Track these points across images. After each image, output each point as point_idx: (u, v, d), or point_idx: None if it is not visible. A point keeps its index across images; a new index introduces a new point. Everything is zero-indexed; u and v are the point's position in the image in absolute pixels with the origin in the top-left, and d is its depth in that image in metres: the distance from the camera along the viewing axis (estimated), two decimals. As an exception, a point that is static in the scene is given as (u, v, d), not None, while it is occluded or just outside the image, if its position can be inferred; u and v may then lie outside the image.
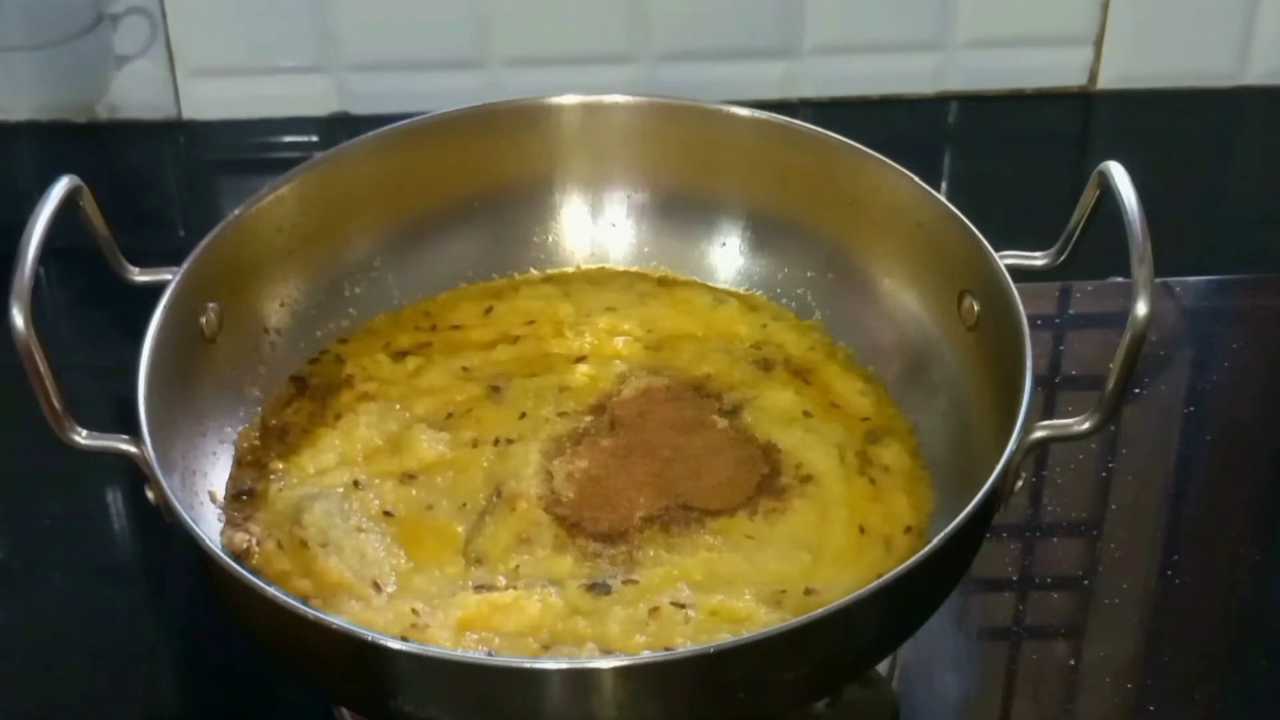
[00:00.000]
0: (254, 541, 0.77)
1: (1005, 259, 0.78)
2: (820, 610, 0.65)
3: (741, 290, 0.91)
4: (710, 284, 0.91)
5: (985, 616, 0.83)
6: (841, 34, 1.13)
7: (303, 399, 0.85)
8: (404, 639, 0.69)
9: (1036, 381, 0.72)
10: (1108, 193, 0.74)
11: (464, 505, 0.79)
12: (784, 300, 0.90)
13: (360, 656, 0.65)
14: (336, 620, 0.66)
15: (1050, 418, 0.72)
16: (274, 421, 0.83)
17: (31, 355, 0.68)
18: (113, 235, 0.78)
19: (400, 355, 0.87)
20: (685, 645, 0.71)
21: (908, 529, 0.78)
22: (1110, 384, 0.69)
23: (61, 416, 0.70)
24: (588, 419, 0.83)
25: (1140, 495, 0.88)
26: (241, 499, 0.79)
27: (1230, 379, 0.96)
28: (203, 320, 0.81)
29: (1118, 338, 0.69)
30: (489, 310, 0.90)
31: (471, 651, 0.71)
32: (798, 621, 0.65)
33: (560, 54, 1.12)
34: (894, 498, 0.79)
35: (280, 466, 0.81)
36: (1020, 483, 0.72)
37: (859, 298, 0.88)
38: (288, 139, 1.14)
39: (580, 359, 0.87)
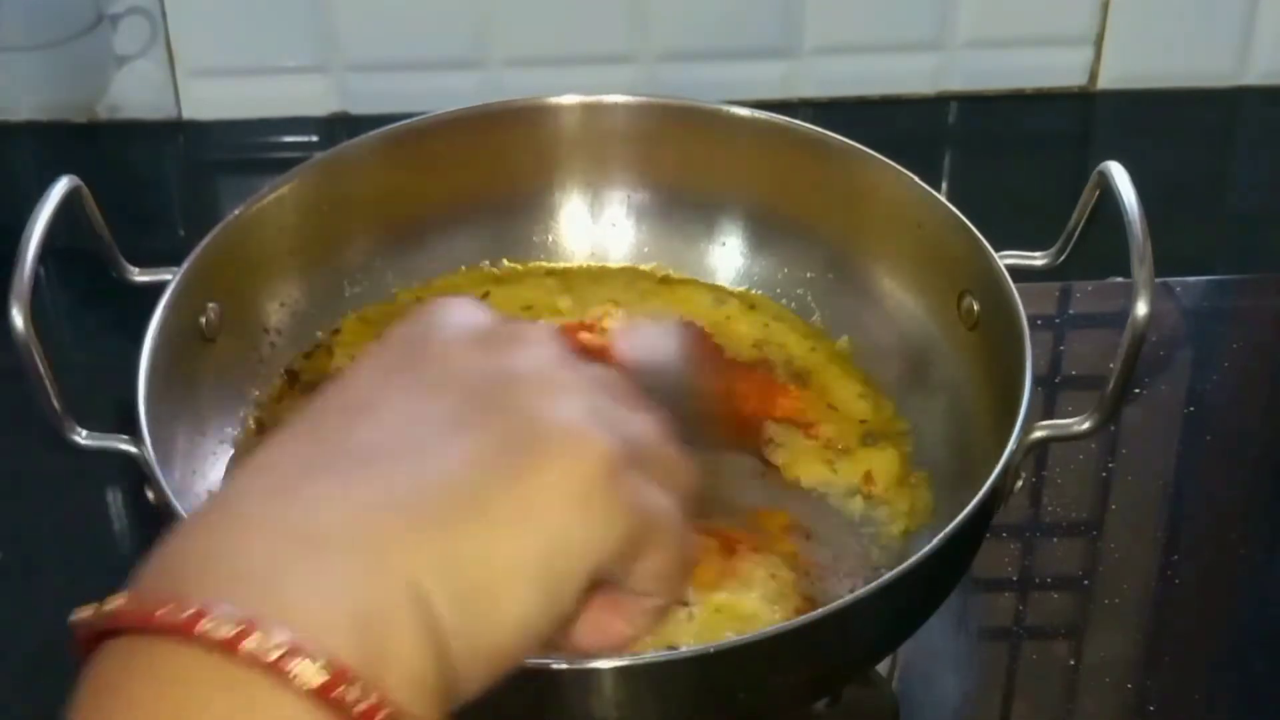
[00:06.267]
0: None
1: (1005, 259, 0.78)
2: (820, 610, 0.65)
3: (741, 289, 0.91)
4: (711, 283, 0.91)
5: (985, 616, 0.83)
6: (841, 34, 1.13)
7: (294, 393, 0.84)
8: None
9: (1036, 381, 0.72)
10: (1108, 193, 0.74)
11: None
12: (784, 300, 0.90)
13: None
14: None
15: (1050, 418, 0.72)
16: (268, 419, 0.83)
17: (31, 355, 0.68)
18: (113, 235, 0.78)
19: None
20: (689, 643, 0.71)
21: (906, 530, 0.78)
22: (1110, 384, 0.69)
23: (61, 416, 0.70)
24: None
25: (1140, 495, 0.88)
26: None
27: (1230, 379, 0.95)
28: (203, 320, 0.80)
29: (1118, 338, 0.69)
30: (485, 295, 0.90)
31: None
32: (798, 621, 0.65)
33: (560, 54, 1.12)
34: (893, 498, 0.79)
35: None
36: (1020, 483, 0.72)
37: (859, 298, 0.88)
38: (288, 139, 1.14)
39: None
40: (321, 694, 0.36)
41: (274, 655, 0.36)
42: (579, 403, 0.43)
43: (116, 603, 0.38)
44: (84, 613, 0.39)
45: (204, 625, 0.36)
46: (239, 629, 0.36)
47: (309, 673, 0.36)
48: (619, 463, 0.42)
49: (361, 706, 0.37)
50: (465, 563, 0.40)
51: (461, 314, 0.47)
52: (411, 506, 0.40)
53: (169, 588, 0.38)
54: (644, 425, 0.45)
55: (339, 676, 0.37)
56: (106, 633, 0.38)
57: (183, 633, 0.36)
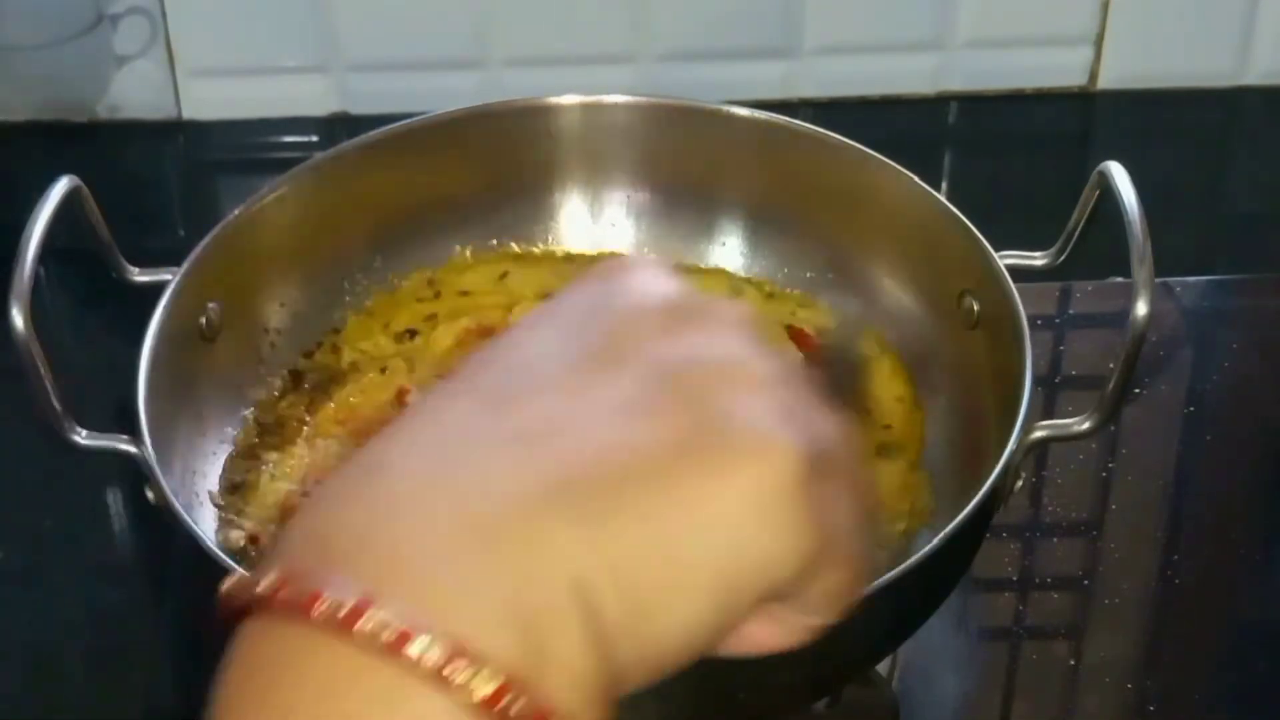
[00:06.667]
0: (251, 538, 0.77)
1: (1005, 259, 0.78)
2: (820, 610, 0.65)
3: (754, 277, 0.90)
4: (730, 271, 0.91)
5: (985, 616, 0.83)
6: (841, 34, 1.12)
7: (297, 392, 0.84)
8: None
9: (1036, 381, 0.72)
10: (1108, 193, 0.74)
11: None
12: (784, 300, 0.90)
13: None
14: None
15: (1050, 418, 0.72)
16: (268, 419, 0.83)
17: (31, 355, 0.68)
18: (112, 235, 0.78)
19: (404, 336, 0.87)
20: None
21: (907, 530, 0.78)
22: (1110, 384, 0.70)
23: (61, 416, 0.70)
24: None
25: (1140, 495, 0.88)
26: (233, 492, 0.79)
27: (1230, 379, 0.95)
28: (203, 320, 0.81)
29: (1118, 338, 0.69)
30: (504, 276, 0.90)
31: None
32: (798, 621, 0.64)
33: (560, 54, 1.12)
34: (893, 498, 0.79)
35: (274, 457, 0.81)
36: (1020, 483, 0.72)
37: (859, 298, 0.88)
38: (288, 139, 1.14)
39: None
40: (487, 705, 0.34)
41: (438, 662, 0.34)
42: (771, 401, 0.40)
43: (269, 581, 0.36)
44: (235, 586, 0.37)
45: (363, 624, 0.34)
46: (400, 631, 0.34)
47: (474, 681, 0.34)
48: (809, 473, 0.39)
49: (525, 715, 0.35)
50: (639, 562, 0.37)
51: (646, 281, 0.43)
52: (584, 497, 0.37)
53: (323, 569, 0.36)
54: (830, 427, 0.41)
55: (505, 687, 0.34)
56: (254, 606, 0.36)
57: (339, 629, 0.34)
